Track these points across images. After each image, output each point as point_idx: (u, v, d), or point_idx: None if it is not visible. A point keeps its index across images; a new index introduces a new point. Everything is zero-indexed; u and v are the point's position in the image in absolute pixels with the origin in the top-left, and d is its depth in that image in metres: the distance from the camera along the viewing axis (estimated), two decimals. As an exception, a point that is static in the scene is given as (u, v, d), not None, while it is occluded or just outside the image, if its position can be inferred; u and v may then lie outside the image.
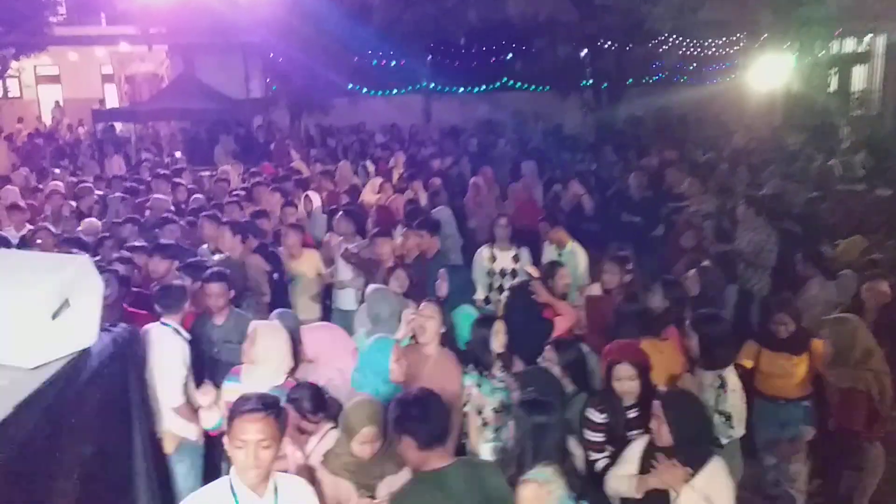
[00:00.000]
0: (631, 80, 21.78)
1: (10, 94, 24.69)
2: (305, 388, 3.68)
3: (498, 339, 4.38)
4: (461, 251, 8.59)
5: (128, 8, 18.01)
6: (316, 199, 9.43)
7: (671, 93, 22.28)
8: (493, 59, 24.31)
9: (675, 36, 21.16)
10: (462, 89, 23.84)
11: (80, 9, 20.54)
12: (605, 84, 21.15)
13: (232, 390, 3.93)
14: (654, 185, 10.21)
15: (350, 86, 21.48)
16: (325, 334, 4.72)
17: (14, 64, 21.43)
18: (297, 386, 3.78)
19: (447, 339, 4.67)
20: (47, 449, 2.90)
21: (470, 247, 8.19)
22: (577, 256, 7.13)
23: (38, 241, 6.58)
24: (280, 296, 6.63)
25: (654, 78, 24.02)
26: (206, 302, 4.87)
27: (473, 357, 4.44)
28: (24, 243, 6.69)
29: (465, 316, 4.89)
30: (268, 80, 21.65)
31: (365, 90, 22.51)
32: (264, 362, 3.99)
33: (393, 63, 22.52)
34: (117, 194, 9.39)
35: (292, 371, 4.14)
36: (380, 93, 22.95)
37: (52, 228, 7.12)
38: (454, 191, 10.71)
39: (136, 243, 6.51)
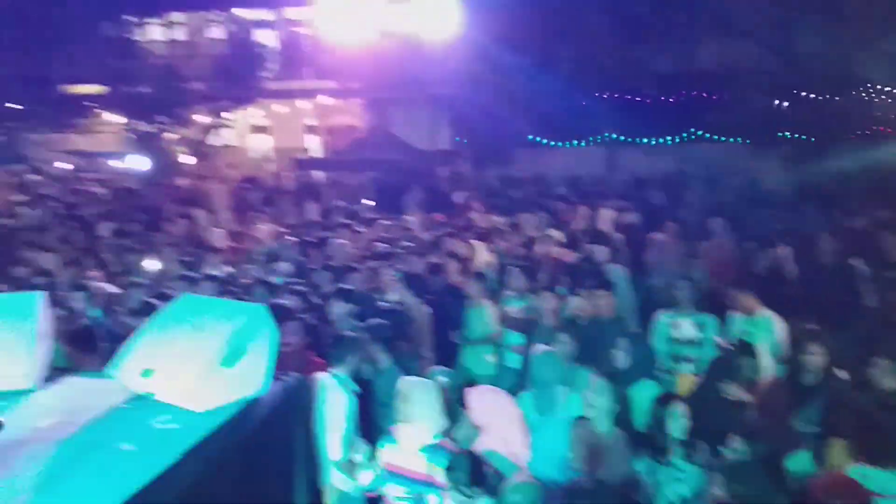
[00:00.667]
0: (838, 133, 20.08)
1: (227, 143, 27.22)
2: (465, 458, 3.52)
3: (678, 423, 3.95)
4: (638, 314, 8.12)
5: (329, 63, 19.32)
6: (485, 251, 9.41)
7: (887, 147, 20.25)
8: (683, 108, 23.44)
9: (891, 86, 19.34)
10: (648, 140, 23.15)
11: (287, 64, 22.33)
12: (807, 136, 19.66)
13: (389, 451, 3.86)
14: (862, 249, 9.17)
15: (531, 137, 21.56)
16: (492, 399, 4.54)
17: (230, 115, 23.67)
18: (457, 455, 3.63)
19: (623, 418, 4.31)
20: (210, 496, 2.94)
21: (648, 309, 7.71)
22: (769, 326, 6.46)
23: (236, 282, 7.03)
24: (448, 351, 6.57)
25: (865, 131, 21.98)
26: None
27: (650, 441, 4.03)
28: (221, 284, 7.14)
29: (645, 392, 4.51)
30: (453, 132, 22.27)
31: (546, 141, 22.50)
32: (419, 420, 3.89)
33: (577, 112, 22.37)
34: (301, 239, 9.86)
35: (448, 432, 4.00)
36: (561, 144, 22.84)
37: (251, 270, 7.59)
38: (636, 247, 10.25)
39: (327, 289, 6.73)
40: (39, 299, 3.82)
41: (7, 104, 18.74)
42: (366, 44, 18.46)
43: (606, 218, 12.49)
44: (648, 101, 23.19)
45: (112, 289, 6.87)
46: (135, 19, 20.22)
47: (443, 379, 4.44)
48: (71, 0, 15.54)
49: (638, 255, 9.76)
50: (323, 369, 4.67)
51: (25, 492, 2.58)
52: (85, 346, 4.45)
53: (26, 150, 22.36)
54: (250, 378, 3.42)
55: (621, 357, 5.29)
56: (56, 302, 5.48)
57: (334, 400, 4.23)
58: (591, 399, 4.12)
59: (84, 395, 3.56)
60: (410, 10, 18.05)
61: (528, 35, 17.78)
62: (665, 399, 4.12)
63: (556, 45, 18.45)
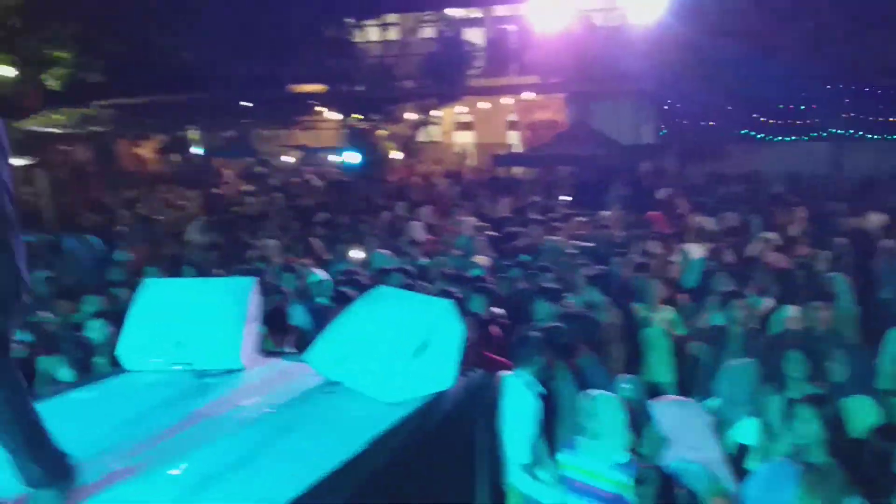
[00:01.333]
0: None
1: (432, 139, 28.15)
2: (653, 474, 3.31)
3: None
4: (862, 327, 7.23)
5: (533, 59, 19.31)
6: (696, 251, 8.86)
7: None
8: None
9: None
10: (881, 136, 20.75)
11: (493, 62, 22.62)
12: None
13: (568, 464, 3.71)
14: None
15: (744, 131, 20.15)
16: (679, 411, 4.24)
17: (437, 112, 24.43)
18: (645, 470, 3.43)
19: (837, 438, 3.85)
20: (392, 489, 2.99)
21: (875, 323, 6.84)
22: None
23: (430, 275, 7.20)
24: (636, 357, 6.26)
25: None
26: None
27: (868, 475, 3.55)
28: (415, 276, 7.32)
29: (863, 415, 4.00)
30: (658, 126, 21.40)
31: (762, 135, 20.91)
32: (604, 436, 3.70)
33: (798, 106, 20.55)
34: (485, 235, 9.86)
35: (635, 446, 3.79)
36: (779, 138, 21.12)
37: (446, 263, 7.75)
38: (865, 254, 9.19)
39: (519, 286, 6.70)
40: (252, 284, 4.12)
41: (241, 103, 20.66)
42: (570, 38, 18.22)
43: (832, 220, 11.34)
44: (880, 93, 20.78)
45: (322, 275, 7.29)
46: (354, 21, 21.48)
47: (627, 388, 4.21)
48: (299, 6, 16.80)
49: (864, 264, 8.75)
50: (505, 367, 4.63)
51: (224, 467, 2.78)
52: (279, 328, 4.74)
53: (256, 145, 24.58)
54: (437, 373, 3.45)
55: (838, 372, 4.70)
56: (269, 286, 5.90)
57: (518, 400, 4.17)
58: (800, 429, 3.67)
59: (283, 376, 3.79)
60: (612, 1, 17.59)
61: (745, 22, 16.60)
62: (890, 431, 3.58)
63: (777, 32, 17.04)
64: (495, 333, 5.75)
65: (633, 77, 17.88)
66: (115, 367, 3.93)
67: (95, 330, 4.90)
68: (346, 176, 19.81)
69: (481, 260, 8.38)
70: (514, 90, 23.10)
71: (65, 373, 4.87)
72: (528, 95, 23.37)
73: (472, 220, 11.29)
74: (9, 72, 14.94)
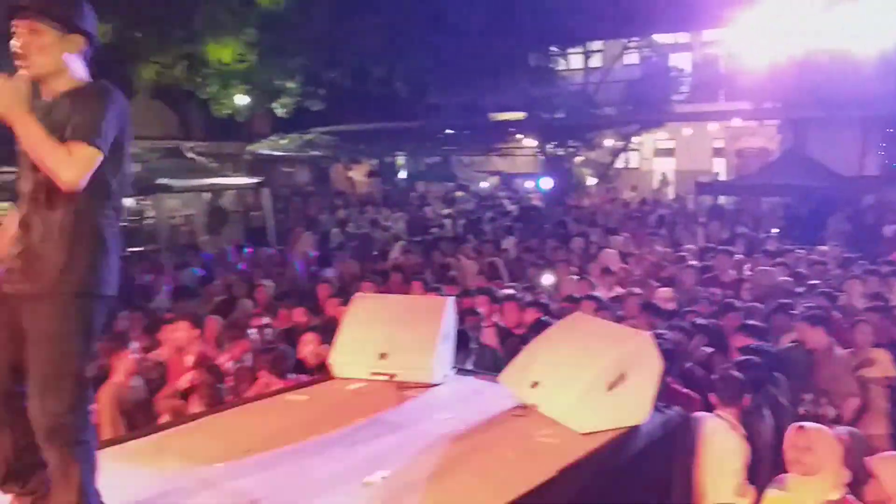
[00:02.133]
0: None
1: (629, 165, 27.56)
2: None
3: None
4: None
5: (745, 84, 18.35)
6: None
7: None
8: None
9: None
10: None
11: (699, 87, 21.78)
12: None
13: (776, 499, 3.45)
14: None
15: None
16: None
17: (636, 138, 23.92)
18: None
19: None
20: (581, 519, 2.95)
21: None
22: None
23: (623, 306, 7.02)
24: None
25: None
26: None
27: None
28: (609, 306, 7.18)
29: None
30: (884, 155, 19.44)
31: None
32: (819, 473, 3.40)
33: None
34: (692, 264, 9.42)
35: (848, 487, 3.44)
36: None
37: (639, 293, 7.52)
38: None
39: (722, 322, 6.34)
40: (449, 303, 4.27)
41: (446, 130, 21.52)
42: (785, 62, 17.11)
43: None
44: None
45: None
46: (558, 49, 21.64)
47: (841, 430, 3.84)
48: (507, 36, 17.24)
49: None
50: (704, 406, 4.39)
51: (421, 478, 2.89)
52: (463, 347, 4.85)
53: (456, 170, 25.45)
54: (632, 406, 3.36)
55: None
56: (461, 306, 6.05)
57: (721, 442, 3.94)
58: None
59: (476, 395, 3.88)
60: (839, 22, 16.25)
61: None
62: None
63: None
64: (692, 370, 5.50)
65: (857, 103, 16.41)
66: (326, 373, 4.23)
67: (308, 342, 5.32)
68: (540, 201, 19.92)
69: (666, 293, 8.05)
70: (722, 116, 22.06)
71: (280, 377, 5.28)
72: (736, 122, 22.22)
73: (670, 251, 10.89)
74: (244, 100, 16.67)
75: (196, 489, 2.82)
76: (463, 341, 4.76)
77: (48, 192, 2.27)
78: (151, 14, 13.78)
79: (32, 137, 2.19)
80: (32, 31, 2.28)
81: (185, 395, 5.03)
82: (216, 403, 4.63)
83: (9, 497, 2.54)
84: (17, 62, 2.28)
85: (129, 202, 16.17)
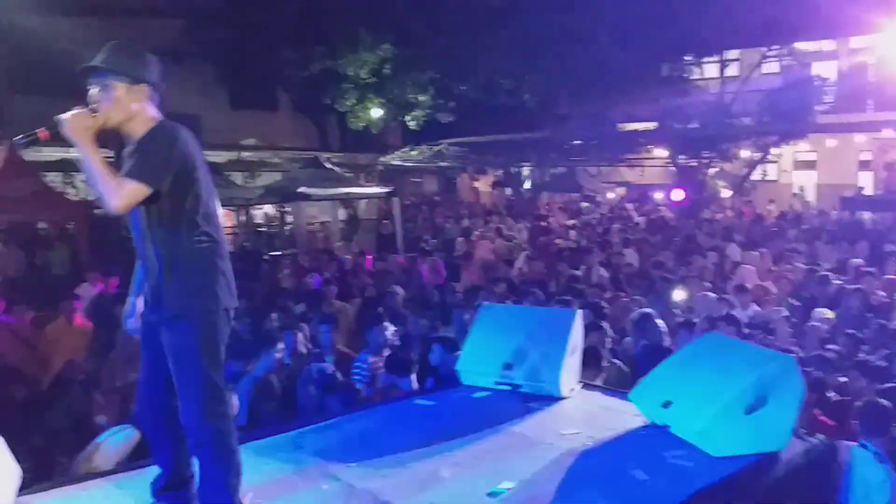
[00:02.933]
0: None
1: (766, 178, 26.22)
2: None
3: None
4: None
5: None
6: None
7: None
8: None
9: None
10: None
11: (845, 96, 20.46)
12: None
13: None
14: None
15: None
16: None
17: (775, 150, 22.71)
18: None
19: None
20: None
21: None
22: None
23: (763, 325, 6.70)
24: None
25: None
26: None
27: None
28: (745, 325, 6.87)
29: None
30: None
31: None
32: None
33: None
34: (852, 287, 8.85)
35: None
36: None
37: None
38: None
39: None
40: (575, 316, 4.24)
41: (573, 141, 21.26)
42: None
43: None
44: None
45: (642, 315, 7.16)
46: (693, 58, 20.92)
47: None
48: (640, 45, 16.86)
49: None
50: (845, 436, 4.11)
51: (546, 492, 2.88)
52: (591, 363, 4.76)
53: (582, 181, 25.07)
54: (772, 431, 3.22)
55: None
56: (589, 320, 5.97)
57: (868, 475, 3.68)
58: None
59: (604, 412, 3.82)
60: None
61: None
62: None
63: None
64: (833, 397, 5.16)
65: None
66: (454, 380, 4.30)
67: (436, 350, 5.42)
68: (670, 214, 19.29)
69: (823, 313, 7.56)
70: (870, 127, 20.64)
71: (405, 381, 5.40)
72: (887, 133, 20.69)
73: (812, 268, 10.27)
74: (378, 113, 17.22)
75: (331, 488, 2.94)
76: (594, 357, 4.71)
77: (149, 232, 2.62)
78: (295, 33, 14.52)
79: (90, 163, 2.48)
80: (104, 87, 2.59)
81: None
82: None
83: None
84: (93, 114, 2.58)
85: (270, 209, 17.09)
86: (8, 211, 11.15)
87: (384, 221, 15.20)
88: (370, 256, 11.54)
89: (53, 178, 13.62)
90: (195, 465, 2.70)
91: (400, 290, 8.07)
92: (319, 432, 3.60)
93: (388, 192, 15.45)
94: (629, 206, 21.93)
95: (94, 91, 2.61)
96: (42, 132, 2.54)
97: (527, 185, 24.15)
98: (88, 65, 2.62)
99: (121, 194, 2.46)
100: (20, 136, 2.58)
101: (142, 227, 2.64)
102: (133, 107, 2.63)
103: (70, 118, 2.51)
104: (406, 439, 3.41)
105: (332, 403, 4.48)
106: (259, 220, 17.34)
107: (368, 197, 16.76)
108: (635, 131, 20.92)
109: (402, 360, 5.25)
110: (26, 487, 2.78)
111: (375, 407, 4.25)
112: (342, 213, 16.92)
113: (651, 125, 20.62)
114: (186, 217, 2.61)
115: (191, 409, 2.58)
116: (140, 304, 2.82)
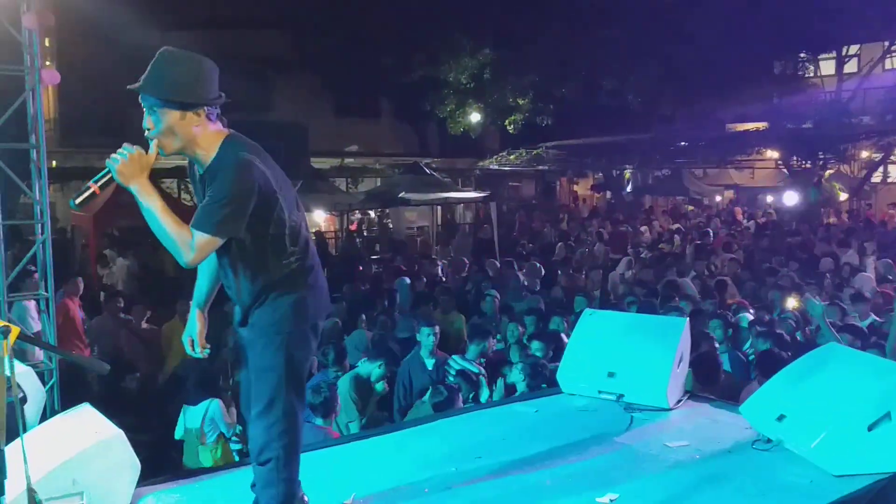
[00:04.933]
0: None
1: (888, 180, 24.68)
2: None
3: None
4: None
5: None
6: None
7: None
8: None
9: None
10: None
11: None
12: None
13: None
14: None
15: None
16: None
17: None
18: None
19: None
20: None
21: None
22: None
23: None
24: None
25: None
26: None
27: None
28: (866, 335, 6.46)
29: None
30: None
31: None
32: None
33: None
34: None
35: None
36: None
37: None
38: None
39: None
40: (683, 325, 4.09)
41: (679, 143, 20.62)
42: None
43: None
44: None
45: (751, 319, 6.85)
46: (808, 55, 19.92)
47: None
48: (752, 43, 16.19)
49: None
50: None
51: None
52: (707, 374, 4.58)
53: (687, 184, 24.30)
54: (894, 449, 2.99)
55: None
56: (697, 329, 5.76)
57: None
58: None
59: (713, 424, 3.66)
60: None
61: None
62: None
63: None
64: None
65: None
66: (553, 387, 4.24)
67: (538, 350, 5.37)
68: (782, 217, 18.41)
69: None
70: None
71: (500, 386, 5.38)
72: None
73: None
74: (477, 118, 17.28)
75: (432, 491, 2.95)
76: (710, 366, 4.53)
77: (231, 263, 2.53)
78: (396, 41, 14.78)
79: (154, 214, 2.31)
80: (157, 114, 2.36)
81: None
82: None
83: None
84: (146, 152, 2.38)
85: (370, 213, 17.48)
86: (125, 216, 11.94)
87: (482, 226, 15.24)
88: (467, 261, 11.56)
89: (169, 185, 14.40)
90: None
91: (496, 295, 8.06)
92: (419, 435, 3.63)
93: (486, 197, 15.48)
94: (739, 209, 21.15)
95: (146, 119, 2.38)
96: (95, 187, 2.33)
97: (629, 188, 23.63)
98: (133, 88, 2.38)
99: (191, 250, 2.30)
100: (76, 197, 2.37)
101: (222, 258, 2.53)
102: (194, 130, 2.39)
103: (123, 168, 2.29)
104: (506, 445, 3.39)
105: (431, 406, 4.50)
106: (360, 224, 17.76)
107: (466, 201, 16.85)
108: (745, 132, 20.13)
109: (496, 365, 5.22)
110: (144, 480, 2.92)
111: (473, 411, 4.24)
112: (440, 218, 17.08)
113: (762, 125, 19.76)
114: (271, 243, 2.47)
115: (262, 425, 2.52)
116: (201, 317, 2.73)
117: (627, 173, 23.76)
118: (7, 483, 2.10)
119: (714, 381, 4.64)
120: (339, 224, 16.14)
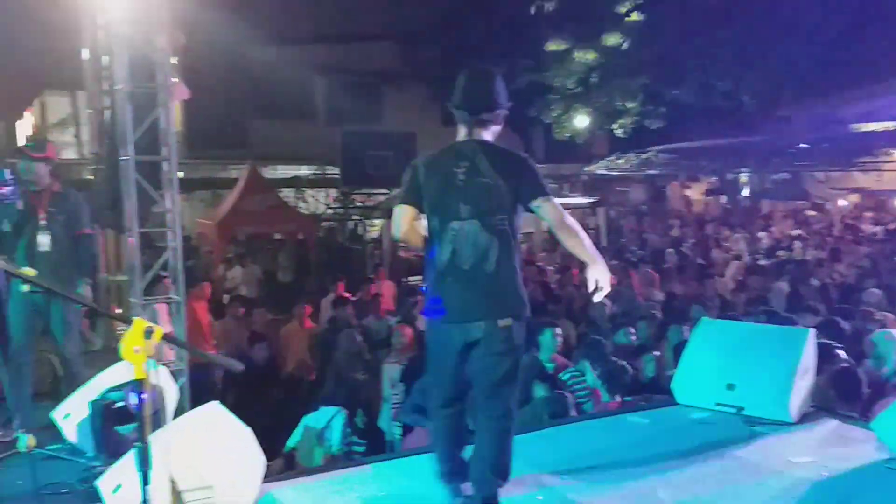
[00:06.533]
0: None
1: None
2: None
3: None
4: None
5: None
6: None
7: None
8: None
9: None
10: None
11: None
12: None
13: None
14: None
15: None
16: None
17: None
18: None
19: None
20: None
21: None
22: None
23: None
24: None
25: None
26: None
27: None
28: None
29: None
30: None
31: None
32: None
33: None
34: None
35: None
36: None
37: None
38: None
39: None
40: (808, 336, 3.90)
41: (798, 144, 19.66)
42: None
43: None
44: None
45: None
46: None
47: None
48: (874, 38, 15.24)
49: None
50: None
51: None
52: (844, 390, 4.31)
53: (808, 188, 23.07)
54: None
55: None
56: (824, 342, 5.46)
57: None
58: None
59: (840, 440, 3.48)
60: None
61: None
62: None
63: None
64: None
65: None
66: (668, 398, 4.13)
67: (649, 362, 5.25)
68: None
69: None
70: None
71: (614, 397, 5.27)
72: None
73: None
74: (584, 122, 17.05)
75: (546, 499, 2.96)
76: (851, 381, 4.27)
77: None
78: (502, 48, 14.83)
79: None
80: (500, 118, 3.21)
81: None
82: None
83: None
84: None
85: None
86: (248, 224, 12.62)
87: (589, 232, 15.03)
88: (575, 270, 11.42)
89: (287, 194, 15.01)
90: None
91: (608, 303, 7.91)
92: (533, 441, 3.62)
93: (593, 202, 15.25)
94: (867, 215, 19.95)
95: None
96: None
97: (745, 192, 22.69)
98: (492, 100, 3.16)
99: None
100: None
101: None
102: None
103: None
104: (620, 456, 3.34)
105: (547, 414, 4.45)
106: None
107: (573, 207, 16.62)
108: (872, 132, 18.97)
109: (613, 374, 5.12)
110: (269, 476, 3.06)
111: (587, 420, 4.20)
112: (546, 224, 16.92)
113: (891, 125, 18.57)
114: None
115: (505, 394, 2.81)
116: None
117: (744, 177, 22.84)
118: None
119: (855, 398, 4.33)
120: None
